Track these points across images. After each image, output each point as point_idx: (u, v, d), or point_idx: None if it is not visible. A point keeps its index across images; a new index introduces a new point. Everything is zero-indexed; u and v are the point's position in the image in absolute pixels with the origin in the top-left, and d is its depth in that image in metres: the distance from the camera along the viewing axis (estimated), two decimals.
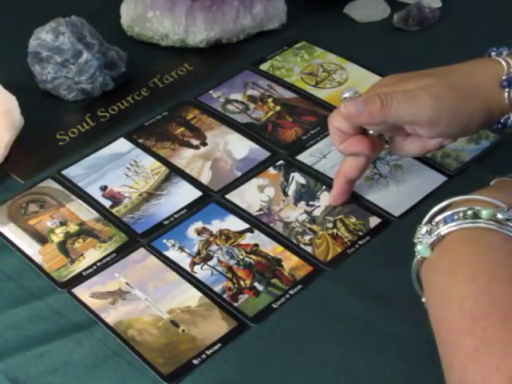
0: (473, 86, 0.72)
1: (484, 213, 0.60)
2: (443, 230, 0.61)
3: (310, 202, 0.84)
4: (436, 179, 0.86)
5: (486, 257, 0.59)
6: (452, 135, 0.75)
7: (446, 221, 0.61)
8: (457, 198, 0.63)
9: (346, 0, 1.11)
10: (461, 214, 0.61)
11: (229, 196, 0.86)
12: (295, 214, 0.84)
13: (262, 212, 0.84)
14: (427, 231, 0.62)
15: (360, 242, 0.80)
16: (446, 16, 1.08)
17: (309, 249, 0.80)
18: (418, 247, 0.63)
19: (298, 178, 0.87)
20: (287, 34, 1.08)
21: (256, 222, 0.83)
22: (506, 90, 0.71)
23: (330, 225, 0.82)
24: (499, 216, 0.60)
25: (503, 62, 0.73)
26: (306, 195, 0.85)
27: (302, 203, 0.85)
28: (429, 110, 0.72)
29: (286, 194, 0.86)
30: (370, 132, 0.79)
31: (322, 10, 1.10)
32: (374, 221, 0.82)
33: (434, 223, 0.62)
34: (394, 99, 0.73)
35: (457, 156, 0.88)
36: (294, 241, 0.81)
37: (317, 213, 0.83)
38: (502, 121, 0.74)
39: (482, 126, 0.75)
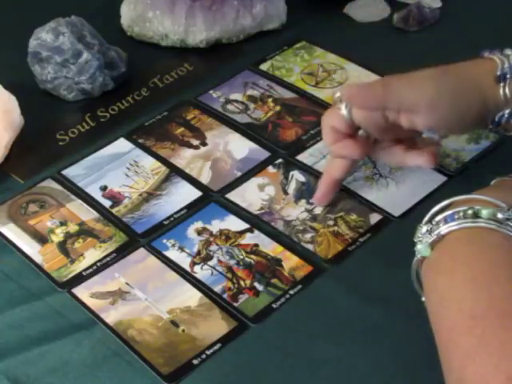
0: (470, 78, 0.73)
1: (484, 212, 0.60)
2: (443, 229, 0.61)
3: (311, 200, 0.85)
4: (436, 179, 0.86)
5: (486, 256, 0.59)
6: (449, 124, 0.74)
7: (446, 220, 0.61)
8: (457, 197, 0.63)
9: (346, 0, 1.11)
10: (461, 214, 0.61)
11: (229, 195, 0.86)
12: (296, 212, 0.84)
13: (262, 211, 0.84)
14: (427, 230, 0.62)
15: (361, 240, 0.80)
16: (445, 16, 1.08)
17: (310, 247, 0.80)
18: (418, 246, 0.63)
19: (297, 176, 0.87)
20: (287, 34, 1.08)
21: (257, 221, 0.83)
22: (501, 84, 0.71)
23: (331, 222, 0.82)
24: (499, 215, 0.60)
25: (497, 59, 0.73)
26: (306, 193, 0.85)
27: (303, 201, 0.85)
28: (429, 91, 0.72)
29: (286, 192, 0.86)
30: (360, 133, 0.79)
31: (322, 9, 1.10)
32: (374, 218, 0.82)
33: (434, 222, 0.62)
34: (394, 79, 0.74)
35: (457, 156, 0.88)
36: (295, 239, 0.81)
37: (317, 211, 0.83)
38: (496, 119, 0.73)
39: (478, 119, 0.74)
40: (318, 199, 0.84)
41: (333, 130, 0.79)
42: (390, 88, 0.74)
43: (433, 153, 0.79)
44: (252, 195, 0.86)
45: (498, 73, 0.71)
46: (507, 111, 0.71)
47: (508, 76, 0.71)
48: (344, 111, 0.78)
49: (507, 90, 0.71)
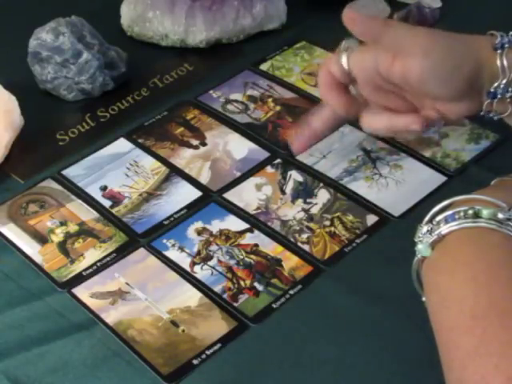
0: (467, 40, 0.72)
1: (485, 212, 0.60)
2: (444, 229, 0.61)
3: (308, 200, 0.85)
4: (436, 179, 0.86)
5: (486, 256, 0.59)
6: (441, 76, 0.71)
7: (446, 220, 0.61)
8: (458, 197, 0.63)
9: (346, 0, 1.11)
10: (461, 214, 0.61)
11: (226, 195, 0.86)
12: (293, 212, 0.84)
13: (259, 211, 0.84)
14: (428, 230, 0.62)
15: (357, 241, 0.80)
16: (445, 16, 1.08)
17: (306, 247, 0.80)
18: (419, 246, 0.63)
19: (295, 175, 0.87)
20: (287, 34, 1.08)
21: (254, 221, 0.83)
22: (499, 52, 0.70)
23: (327, 222, 0.82)
24: (500, 215, 0.60)
25: (497, 34, 0.72)
26: (303, 193, 0.85)
27: (300, 201, 0.85)
28: (426, 35, 0.72)
29: (283, 192, 0.86)
30: (352, 90, 0.77)
31: (322, 9, 1.10)
32: (371, 219, 0.82)
33: (434, 222, 0.62)
34: (395, 21, 0.76)
35: (457, 156, 0.88)
36: (292, 239, 0.81)
37: (314, 210, 0.83)
38: (491, 89, 0.72)
39: (471, 81, 0.71)
40: (296, 148, 0.85)
41: (329, 74, 0.77)
42: (390, 24, 0.74)
43: (421, 116, 0.76)
44: (249, 195, 0.86)
45: (497, 41, 0.71)
46: (504, 81, 0.70)
47: (506, 46, 0.70)
48: (344, 59, 0.77)
49: (504, 60, 0.70)
